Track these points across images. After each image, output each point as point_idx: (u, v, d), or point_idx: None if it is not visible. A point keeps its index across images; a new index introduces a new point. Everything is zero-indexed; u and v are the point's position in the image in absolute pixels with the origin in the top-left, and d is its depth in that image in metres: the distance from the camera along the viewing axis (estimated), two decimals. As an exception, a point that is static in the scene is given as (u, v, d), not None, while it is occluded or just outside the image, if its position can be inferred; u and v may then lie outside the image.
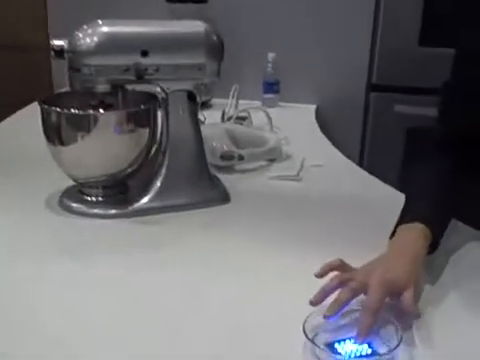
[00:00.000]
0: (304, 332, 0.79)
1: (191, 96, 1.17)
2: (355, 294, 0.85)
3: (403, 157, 2.05)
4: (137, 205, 1.18)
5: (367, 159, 2.11)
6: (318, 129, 1.78)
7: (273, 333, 0.84)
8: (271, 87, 1.98)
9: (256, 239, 1.10)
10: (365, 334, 0.79)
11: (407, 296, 0.84)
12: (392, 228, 0.99)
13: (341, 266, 0.90)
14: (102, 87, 1.10)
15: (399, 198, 1.23)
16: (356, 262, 0.91)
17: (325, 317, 0.81)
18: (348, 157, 1.53)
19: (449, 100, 1.09)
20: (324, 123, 1.87)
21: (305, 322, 0.81)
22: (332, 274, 0.88)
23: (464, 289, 0.94)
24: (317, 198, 1.29)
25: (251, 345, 0.82)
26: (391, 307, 0.85)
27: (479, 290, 0.94)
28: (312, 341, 0.79)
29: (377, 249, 0.93)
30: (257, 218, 1.19)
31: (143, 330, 0.84)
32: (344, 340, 0.80)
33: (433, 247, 0.96)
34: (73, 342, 0.82)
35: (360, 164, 2.03)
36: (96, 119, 1.12)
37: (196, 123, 1.19)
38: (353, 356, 0.78)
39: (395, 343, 0.78)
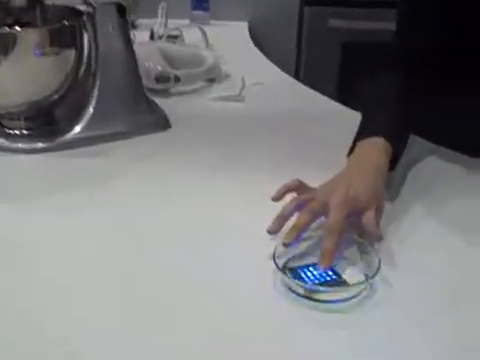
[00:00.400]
0: (274, 261, 0.73)
1: (121, 9, 1.04)
2: (315, 216, 0.78)
3: (339, 71, 1.99)
4: (67, 136, 1.06)
5: (303, 75, 2.05)
6: (254, 46, 1.69)
7: (238, 263, 0.77)
8: (200, 4, 1.85)
9: (202, 166, 1.02)
10: (328, 258, 0.73)
11: (369, 216, 0.78)
12: (345, 144, 0.93)
13: (299, 187, 0.83)
14: (17, 1, 0.95)
15: (344, 113, 1.19)
16: (312, 183, 0.84)
17: (284, 245, 0.74)
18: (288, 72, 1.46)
19: (406, 12, 1.02)
20: (258, 40, 1.78)
21: (275, 251, 0.74)
22: (290, 196, 0.81)
23: (425, 203, 0.90)
24: (262, 117, 1.20)
25: (216, 274, 0.75)
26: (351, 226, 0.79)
27: (439, 203, 0.90)
28: (281, 269, 0.73)
29: (332, 167, 0.86)
30: (201, 143, 1.10)
31: (89, 275, 0.75)
32: (308, 267, 0.74)
33: (394, 163, 0.91)
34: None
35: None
36: (13, 38, 0.97)
37: (128, 40, 1.07)
38: (320, 283, 0.72)
39: (374, 269, 0.72)
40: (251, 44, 1.71)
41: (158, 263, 0.78)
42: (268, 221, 0.78)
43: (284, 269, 0.74)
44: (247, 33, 1.83)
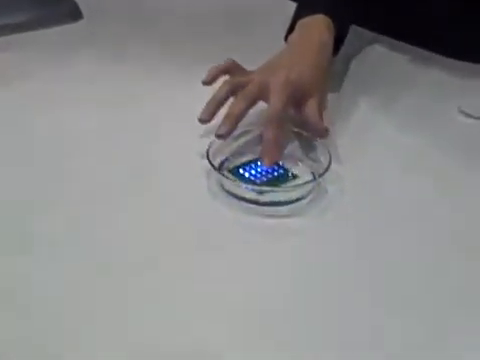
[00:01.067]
0: (208, 159, 0.63)
1: None
2: (252, 101, 0.67)
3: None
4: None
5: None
6: None
7: (172, 166, 0.67)
8: None
9: (121, 61, 0.89)
10: (271, 152, 0.64)
11: (312, 106, 0.69)
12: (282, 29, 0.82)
13: (233, 68, 0.72)
14: None
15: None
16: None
17: (218, 137, 0.64)
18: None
19: None
20: None
21: (209, 148, 0.64)
22: (223, 80, 0.70)
23: (372, 97, 0.82)
24: (189, 9, 1.06)
25: (151, 183, 0.65)
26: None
27: (389, 98, 0.82)
28: (217, 169, 0.63)
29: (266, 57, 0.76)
30: (118, 36, 0.96)
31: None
32: (250, 164, 0.65)
33: (337, 44, 0.81)
34: None
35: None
36: None
37: None
38: (265, 180, 0.64)
39: (323, 165, 0.64)
40: None
41: (76, 171, 0.67)
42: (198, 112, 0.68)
43: (221, 169, 0.64)
44: None
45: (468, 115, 0.77)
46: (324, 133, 0.68)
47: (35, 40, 0.93)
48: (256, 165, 0.65)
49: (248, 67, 0.74)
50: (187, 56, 0.90)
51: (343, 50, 0.85)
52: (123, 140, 0.72)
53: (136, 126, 0.74)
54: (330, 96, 0.76)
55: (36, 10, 0.95)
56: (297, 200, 0.62)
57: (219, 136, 0.64)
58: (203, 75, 0.71)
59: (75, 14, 0.99)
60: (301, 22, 0.79)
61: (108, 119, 0.76)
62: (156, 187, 0.64)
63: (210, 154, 0.63)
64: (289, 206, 0.62)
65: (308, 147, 0.67)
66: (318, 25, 0.78)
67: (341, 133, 0.73)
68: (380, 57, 0.91)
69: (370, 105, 0.80)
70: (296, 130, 0.68)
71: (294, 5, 0.86)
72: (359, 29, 0.95)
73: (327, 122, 0.70)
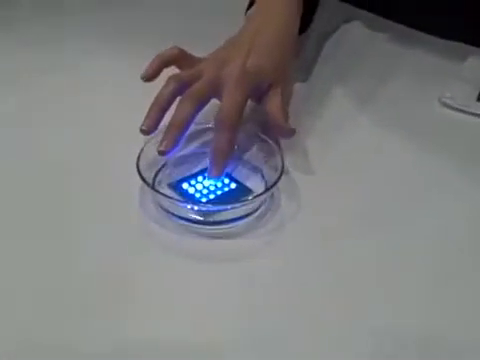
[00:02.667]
0: (138, 172, 0.53)
1: None
2: (202, 103, 0.56)
3: None
4: None
5: None
6: None
7: (95, 176, 0.58)
8: None
9: (69, 43, 0.79)
10: (220, 162, 0.53)
11: (275, 101, 0.58)
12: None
13: (179, 58, 0.60)
14: None
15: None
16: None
17: (160, 153, 0.53)
18: None
19: None
20: None
21: (138, 159, 0.54)
22: (168, 73, 0.58)
23: (345, 85, 0.71)
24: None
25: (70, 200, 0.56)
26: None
27: (360, 85, 0.72)
28: (150, 185, 0.53)
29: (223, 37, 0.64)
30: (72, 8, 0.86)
31: None
32: (195, 176, 0.55)
33: (305, 22, 0.69)
34: None
35: None
36: None
37: None
38: (212, 197, 0.54)
39: (275, 175, 0.53)
40: None
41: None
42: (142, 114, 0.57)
43: (158, 182, 0.55)
44: None
45: (449, 106, 0.67)
46: (289, 134, 0.58)
47: None
48: (203, 177, 0.55)
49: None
50: (144, 43, 0.79)
51: (315, 27, 0.74)
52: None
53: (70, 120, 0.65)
54: (298, 85, 0.67)
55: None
56: (246, 216, 0.53)
57: (161, 152, 0.53)
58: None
59: None
60: None
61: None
62: (76, 203, 0.55)
63: (142, 164, 0.53)
64: (237, 223, 0.53)
65: (266, 150, 0.57)
66: (282, 1, 0.66)
67: (308, 132, 0.63)
68: (359, 36, 0.81)
69: (345, 96, 0.70)
70: (257, 134, 0.58)
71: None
72: (335, 2, 0.85)
73: (293, 118, 0.60)
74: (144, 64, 0.58)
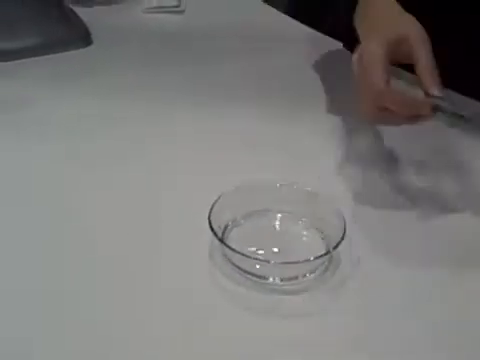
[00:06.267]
0: (210, 224, 0.55)
1: None
2: None
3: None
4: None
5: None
6: None
7: (177, 227, 0.61)
8: None
9: (130, 92, 0.83)
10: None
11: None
12: (309, 71, 0.79)
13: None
14: None
15: (301, 31, 1.01)
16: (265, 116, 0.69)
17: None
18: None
19: None
20: None
21: (211, 211, 0.57)
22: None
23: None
24: (205, 33, 1.01)
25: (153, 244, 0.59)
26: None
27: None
28: (219, 238, 0.56)
29: (292, 101, 0.70)
30: (130, 63, 0.91)
31: None
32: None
33: None
34: None
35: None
36: None
37: None
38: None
39: (336, 236, 0.56)
40: None
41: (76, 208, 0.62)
42: (211, 164, 0.63)
43: (226, 234, 0.58)
44: None
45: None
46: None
47: (43, 65, 0.88)
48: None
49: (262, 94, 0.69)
50: (202, 87, 0.84)
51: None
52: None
53: (138, 166, 0.69)
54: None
55: (46, 35, 0.90)
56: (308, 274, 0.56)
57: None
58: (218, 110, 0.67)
59: (84, 38, 0.94)
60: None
61: (108, 150, 0.71)
62: (149, 262, 0.58)
63: (214, 217, 0.56)
64: (295, 281, 0.55)
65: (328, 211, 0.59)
66: None
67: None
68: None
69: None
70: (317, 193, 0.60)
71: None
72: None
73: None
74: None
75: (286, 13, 1.09)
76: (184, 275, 0.56)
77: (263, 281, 0.55)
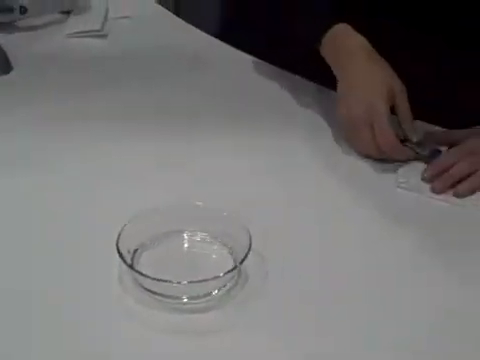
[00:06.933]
0: (119, 252, 0.57)
1: None
2: None
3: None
4: None
5: (184, 8, 1.85)
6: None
7: (84, 253, 0.62)
8: None
9: (53, 119, 0.83)
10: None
11: None
12: (233, 90, 0.83)
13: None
14: None
15: (233, 53, 1.03)
16: (194, 133, 0.74)
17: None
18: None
19: None
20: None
21: (120, 235, 0.58)
22: None
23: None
24: (129, 57, 1.03)
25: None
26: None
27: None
28: (128, 263, 0.57)
29: (222, 117, 0.75)
30: (51, 89, 0.91)
31: None
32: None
33: None
34: None
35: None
36: None
37: None
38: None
39: (243, 250, 0.58)
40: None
41: None
42: (125, 187, 0.65)
43: (135, 258, 0.59)
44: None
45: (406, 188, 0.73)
46: None
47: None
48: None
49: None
50: (121, 111, 0.86)
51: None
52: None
53: (54, 188, 0.70)
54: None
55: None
56: (217, 290, 0.58)
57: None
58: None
59: (3, 66, 0.94)
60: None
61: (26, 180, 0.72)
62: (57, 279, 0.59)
63: (123, 241, 0.58)
64: (208, 298, 0.58)
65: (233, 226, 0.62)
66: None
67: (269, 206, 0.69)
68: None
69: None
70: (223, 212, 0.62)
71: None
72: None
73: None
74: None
75: (215, 36, 1.11)
76: (92, 302, 0.57)
77: (175, 301, 0.57)
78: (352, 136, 0.77)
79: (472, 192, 0.71)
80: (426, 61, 0.85)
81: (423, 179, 0.73)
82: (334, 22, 0.81)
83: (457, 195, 0.71)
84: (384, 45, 0.80)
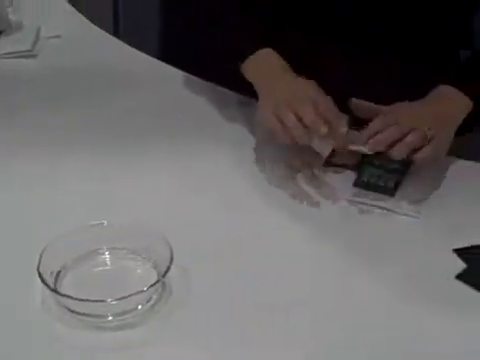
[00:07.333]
0: (39, 273, 0.57)
1: None
2: None
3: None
4: None
5: (123, 29, 1.85)
6: (57, -8, 1.46)
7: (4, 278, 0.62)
8: None
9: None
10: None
11: None
12: (167, 109, 0.85)
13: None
14: None
15: (166, 70, 1.04)
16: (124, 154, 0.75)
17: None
18: (101, 23, 1.26)
19: None
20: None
21: (41, 258, 0.58)
22: None
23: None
24: (60, 77, 1.03)
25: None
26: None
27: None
28: (52, 288, 0.58)
29: (153, 135, 0.77)
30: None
31: None
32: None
33: None
34: None
35: (116, 29, 1.78)
36: None
37: None
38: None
39: (165, 264, 0.60)
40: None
41: None
42: (47, 208, 0.65)
43: (58, 280, 0.60)
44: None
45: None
46: None
47: None
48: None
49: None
50: (46, 132, 0.86)
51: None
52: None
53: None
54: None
55: None
56: (142, 305, 0.59)
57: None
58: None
59: None
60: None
61: None
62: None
63: (44, 264, 0.58)
64: (133, 313, 0.58)
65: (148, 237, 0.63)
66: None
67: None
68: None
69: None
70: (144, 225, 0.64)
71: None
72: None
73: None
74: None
75: (153, 56, 1.12)
76: (15, 329, 0.57)
77: (101, 320, 0.58)
78: (276, 126, 0.75)
79: (403, 153, 0.72)
80: (344, 69, 0.88)
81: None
82: (258, 46, 0.84)
83: (394, 156, 0.72)
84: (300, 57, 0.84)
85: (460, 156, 0.84)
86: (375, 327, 0.59)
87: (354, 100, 0.80)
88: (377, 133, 0.73)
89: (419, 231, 0.71)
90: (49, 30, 1.16)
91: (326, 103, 0.76)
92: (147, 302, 0.59)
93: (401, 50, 0.88)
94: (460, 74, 0.84)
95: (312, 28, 0.88)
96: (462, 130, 0.80)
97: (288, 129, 0.73)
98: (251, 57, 0.84)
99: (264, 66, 0.84)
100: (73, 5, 1.35)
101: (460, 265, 0.66)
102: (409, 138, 0.73)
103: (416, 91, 0.82)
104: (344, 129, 0.75)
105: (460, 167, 0.82)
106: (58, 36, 1.15)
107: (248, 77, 0.84)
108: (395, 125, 0.74)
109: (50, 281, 0.58)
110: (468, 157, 0.84)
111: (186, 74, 1.01)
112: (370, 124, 0.75)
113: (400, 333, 0.58)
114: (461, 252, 0.67)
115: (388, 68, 0.88)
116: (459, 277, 0.65)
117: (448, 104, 0.80)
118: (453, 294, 0.63)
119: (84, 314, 0.57)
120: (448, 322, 0.60)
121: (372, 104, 0.80)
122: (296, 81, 0.80)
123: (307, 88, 0.78)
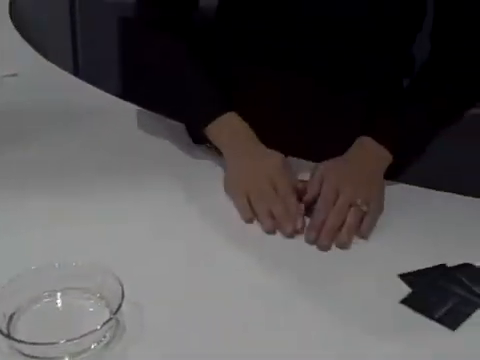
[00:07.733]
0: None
1: None
2: None
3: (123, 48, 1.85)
4: None
5: (83, 60, 1.87)
6: (14, 30, 1.46)
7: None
8: None
9: None
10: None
11: None
12: (124, 144, 0.88)
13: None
14: None
15: (126, 106, 1.06)
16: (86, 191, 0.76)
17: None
18: (59, 61, 1.28)
19: None
20: (20, 22, 1.55)
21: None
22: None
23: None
24: (16, 116, 1.03)
25: None
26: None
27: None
28: (8, 335, 0.58)
29: (112, 171, 0.79)
30: None
31: None
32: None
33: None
34: None
35: (75, 67, 1.80)
36: None
37: None
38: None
39: (117, 301, 0.61)
40: (10, 27, 1.49)
41: None
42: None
43: (12, 324, 0.60)
44: (7, 12, 1.59)
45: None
46: None
47: None
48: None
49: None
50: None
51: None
52: None
53: None
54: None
55: None
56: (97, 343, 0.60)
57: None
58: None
59: None
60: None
61: None
62: None
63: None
64: (87, 354, 0.59)
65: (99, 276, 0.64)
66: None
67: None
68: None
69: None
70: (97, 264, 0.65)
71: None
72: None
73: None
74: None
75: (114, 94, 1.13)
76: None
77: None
78: (247, 214, 0.79)
79: (350, 239, 0.75)
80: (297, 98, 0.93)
81: (308, 241, 0.75)
82: (222, 111, 0.87)
83: (341, 246, 0.74)
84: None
85: (405, 181, 0.88)
86: (318, 353, 0.61)
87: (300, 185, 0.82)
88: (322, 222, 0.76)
89: (364, 256, 0.74)
90: (4, 69, 1.16)
91: (285, 189, 0.79)
92: (101, 341, 0.60)
93: (342, 79, 0.92)
94: (379, 126, 0.86)
95: (256, 59, 0.92)
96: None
97: (259, 218, 0.78)
98: (214, 122, 0.86)
99: (228, 132, 0.87)
100: (29, 43, 1.37)
101: (405, 289, 0.69)
102: (349, 220, 0.76)
103: (357, 122, 0.87)
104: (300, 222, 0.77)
105: (404, 191, 0.85)
106: (15, 75, 1.17)
107: (211, 139, 0.87)
108: (333, 211, 0.76)
109: (3, 325, 0.58)
110: (413, 182, 0.88)
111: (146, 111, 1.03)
112: (314, 213, 0.78)
113: (344, 358, 0.61)
114: (406, 277, 0.70)
115: (331, 98, 0.92)
116: (404, 302, 0.67)
117: (370, 161, 0.84)
118: (398, 318, 0.66)
119: (38, 358, 0.58)
120: (394, 346, 0.62)
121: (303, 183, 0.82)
122: (262, 156, 0.84)
123: (272, 165, 0.82)
